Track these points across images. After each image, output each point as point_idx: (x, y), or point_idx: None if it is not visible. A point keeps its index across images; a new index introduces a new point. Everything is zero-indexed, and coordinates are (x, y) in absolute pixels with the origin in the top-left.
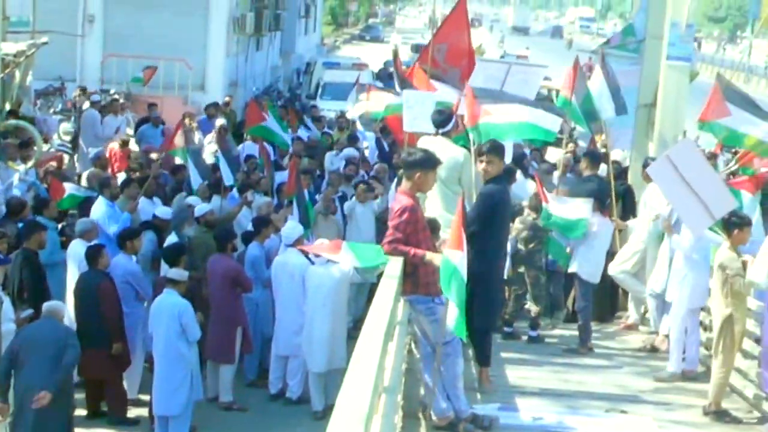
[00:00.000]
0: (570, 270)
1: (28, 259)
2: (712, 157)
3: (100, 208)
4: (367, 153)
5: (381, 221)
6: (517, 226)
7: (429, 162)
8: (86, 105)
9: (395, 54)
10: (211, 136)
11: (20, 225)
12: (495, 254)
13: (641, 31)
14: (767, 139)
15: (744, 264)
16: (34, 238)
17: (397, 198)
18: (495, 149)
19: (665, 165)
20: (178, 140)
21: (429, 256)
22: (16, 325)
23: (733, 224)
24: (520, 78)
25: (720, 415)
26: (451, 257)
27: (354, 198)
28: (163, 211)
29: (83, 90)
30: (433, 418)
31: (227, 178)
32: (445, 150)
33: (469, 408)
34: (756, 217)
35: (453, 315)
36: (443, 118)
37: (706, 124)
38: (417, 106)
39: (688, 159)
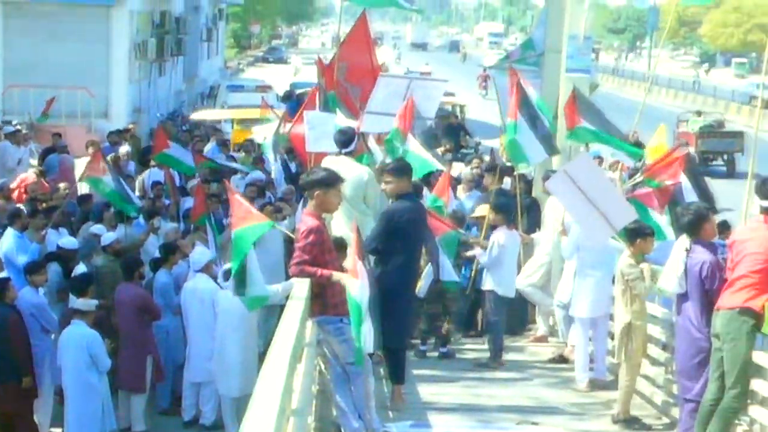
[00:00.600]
0: (484, 288)
1: None
2: (617, 167)
3: (8, 239)
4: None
5: (289, 243)
6: None
7: (327, 180)
8: None
9: (319, 61)
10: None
11: None
12: (403, 272)
13: (541, 45)
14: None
15: (642, 271)
16: None
17: (303, 219)
18: (394, 169)
19: (563, 179)
20: (93, 168)
21: (336, 276)
22: None
23: (636, 234)
24: (422, 93)
25: (630, 422)
26: (350, 286)
27: None
28: (68, 242)
29: None
30: None
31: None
32: (350, 169)
33: (382, 426)
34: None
35: (370, 338)
36: (346, 138)
37: (572, 133)
38: (319, 126)
39: (585, 172)
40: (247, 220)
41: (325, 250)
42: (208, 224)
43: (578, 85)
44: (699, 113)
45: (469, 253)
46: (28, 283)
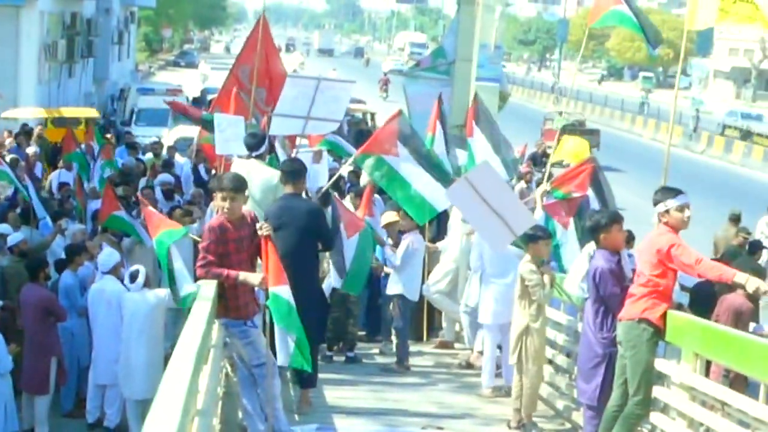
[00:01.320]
0: (389, 292)
1: None
2: (526, 175)
3: None
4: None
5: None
6: None
7: (227, 185)
8: None
9: (173, 104)
10: None
11: None
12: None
13: (451, 53)
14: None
15: (542, 277)
16: None
17: (211, 220)
18: (283, 171)
19: (464, 186)
20: None
21: (242, 276)
22: None
23: (533, 238)
24: (331, 94)
25: (530, 427)
26: (280, 293)
27: None
28: None
29: None
30: None
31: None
32: (259, 172)
33: (288, 429)
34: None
35: (288, 347)
36: (256, 141)
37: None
38: (229, 129)
39: (486, 180)
40: (162, 226)
41: (231, 251)
42: (130, 220)
43: (488, 94)
44: (561, 113)
45: (387, 269)
46: None
